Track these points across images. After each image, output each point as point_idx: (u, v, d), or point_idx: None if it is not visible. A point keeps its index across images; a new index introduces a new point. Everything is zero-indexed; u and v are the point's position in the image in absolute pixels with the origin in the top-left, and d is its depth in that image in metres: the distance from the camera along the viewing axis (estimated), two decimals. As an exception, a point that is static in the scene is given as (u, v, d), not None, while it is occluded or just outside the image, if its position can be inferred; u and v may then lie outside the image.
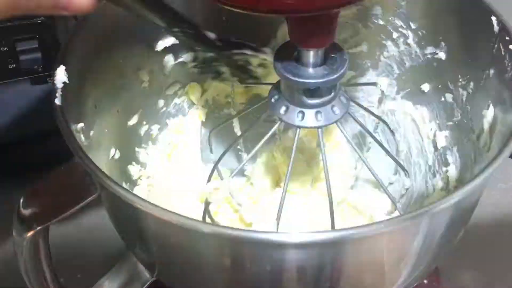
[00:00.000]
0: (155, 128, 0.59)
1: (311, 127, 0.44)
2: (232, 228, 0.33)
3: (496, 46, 0.45)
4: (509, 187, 0.70)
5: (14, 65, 0.63)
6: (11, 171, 0.71)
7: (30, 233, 0.38)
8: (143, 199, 0.34)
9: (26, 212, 0.38)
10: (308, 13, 0.37)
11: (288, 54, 0.43)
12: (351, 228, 0.31)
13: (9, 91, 0.65)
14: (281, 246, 0.33)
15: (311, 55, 0.41)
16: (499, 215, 0.67)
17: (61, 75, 0.42)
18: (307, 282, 0.37)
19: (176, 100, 0.61)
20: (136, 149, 0.56)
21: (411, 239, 0.36)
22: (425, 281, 0.58)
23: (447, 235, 0.39)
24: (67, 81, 0.42)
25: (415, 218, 0.33)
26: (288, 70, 0.42)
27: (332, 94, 0.44)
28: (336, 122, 0.45)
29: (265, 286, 0.38)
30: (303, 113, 0.44)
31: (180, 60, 0.58)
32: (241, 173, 0.61)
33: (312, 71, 0.42)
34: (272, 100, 0.46)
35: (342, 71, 0.42)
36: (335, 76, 0.42)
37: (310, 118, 0.44)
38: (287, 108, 0.44)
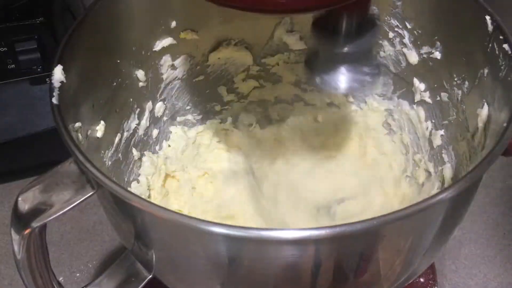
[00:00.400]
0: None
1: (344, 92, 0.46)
2: (228, 226, 0.33)
3: (490, 45, 0.45)
4: (506, 186, 0.70)
5: (13, 65, 0.64)
6: (10, 171, 0.71)
7: (27, 231, 0.38)
8: (139, 197, 0.35)
9: (23, 209, 0.38)
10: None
11: (323, 25, 0.44)
12: (344, 224, 0.32)
13: (8, 91, 0.65)
14: (276, 242, 0.34)
15: (345, 23, 0.42)
16: (497, 213, 0.67)
17: (58, 75, 0.42)
18: (303, 278, 0.37)
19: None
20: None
21: (405, 234, 0.37)
22: (422, 280, 0.58)
23: (441, 231, 0.40)
24: (65, 81, 0.42)
25: (410, 214, 0.33)
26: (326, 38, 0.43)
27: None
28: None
29: (262, 283, 0.39)
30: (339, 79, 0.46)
31: (177, 60, 0.58)
32: None
33: (347, 39, 0.43)
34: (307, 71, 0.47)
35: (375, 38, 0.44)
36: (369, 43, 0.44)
37: (345, 82, 0.46)
38: (322, 78, 0.46)
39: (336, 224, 0.31)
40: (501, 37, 0.44)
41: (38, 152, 0.68)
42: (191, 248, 0.38)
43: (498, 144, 0.37)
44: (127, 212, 0.38)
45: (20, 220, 0.38)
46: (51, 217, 0.38)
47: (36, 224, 0.38)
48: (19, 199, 0.39)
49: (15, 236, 0.39)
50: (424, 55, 0.55)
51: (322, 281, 0.37)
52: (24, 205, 0.38)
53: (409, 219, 0.35)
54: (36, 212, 0.38)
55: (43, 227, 0.39)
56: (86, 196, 0.39)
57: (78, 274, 0.63)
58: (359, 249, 0.36)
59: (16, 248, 0.39)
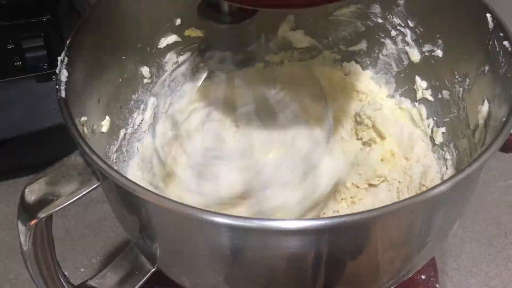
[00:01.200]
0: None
1: None
2: (232, 216, 0.33)
3: (491, 42, 0.45)
4: (508, 185, 0.71)
5: (20, 62, 0.64)
6: (15, 167, 0.72)
7: (33, 222, 0.38)
8: (143, 187, 0.35)
9: (29, 200, 0.38)
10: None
11: None
12: (344, 215, 0.32)
13: (15, 88, 0.66)
14: (278, 232, 0.34)
15: None
16: (498, 212, 0.68)
17: (64, 70, 0.43)
18: (305, 269, 0.37)
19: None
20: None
21: (403, 227, 0.37)
22: (423, 277, 0.58)
23: (440, 225, 0.40)
24: (71, 76, 0.43)
25: (407, 205, 0.34)
26: None
27: None
28: None
29: (265, 273, 0.39)
30: None
31: (181, 57, 0.59)
32: None
33: None
34: None
35: None
36: None
37: None
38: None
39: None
40: (501, 34, 0.45)
41: (44, 149, 0.68)
42: (194, 238, 0.38)
43: (496, 138, 0.37)
44: (132, 203, 0.39)
45: (27, 211, 0.39)
46: (58, 208, 0.38)
47: (42, 214, 0.38)
48: (26, 190, 0.39)
49: (21, 227, 0.39)
50: (426, 53, 0.55)
51: (323, 272, 0.38)
52: (31, 196, 0.39)
53: (407, 211, 0.35)
54: (43, 203, 0.38)
55: (49, 218, 0.39)
56: (91, 188, 0.39)
57: (82, 269, 0.63)
58: (358, 241, 0.36)
59: (22, 239, 0.39)
